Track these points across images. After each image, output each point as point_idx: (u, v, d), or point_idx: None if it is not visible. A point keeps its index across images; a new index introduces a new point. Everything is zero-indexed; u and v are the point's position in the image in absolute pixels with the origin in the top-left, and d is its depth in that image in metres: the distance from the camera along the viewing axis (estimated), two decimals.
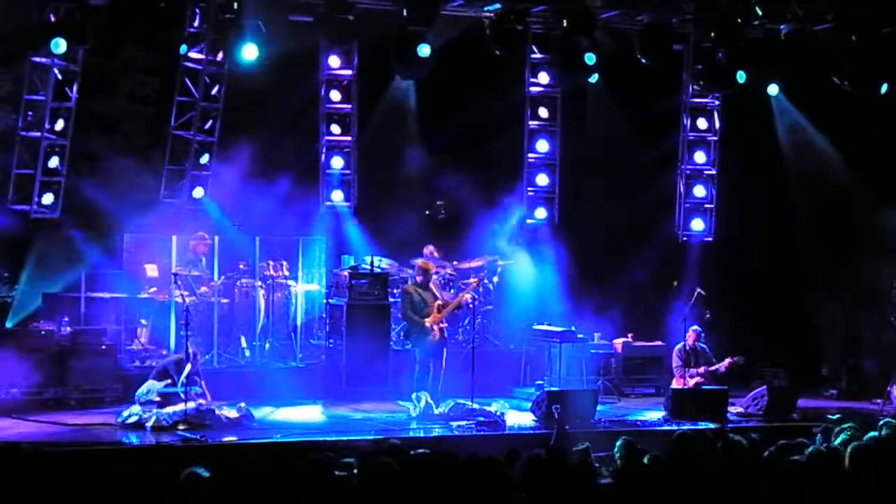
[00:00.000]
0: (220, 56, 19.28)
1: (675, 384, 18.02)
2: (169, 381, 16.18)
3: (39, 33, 17.65)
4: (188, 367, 16.14)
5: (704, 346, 18.59)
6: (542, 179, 21.48)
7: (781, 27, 20.28)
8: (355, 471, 9.90)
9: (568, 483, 9.55)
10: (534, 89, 21.33)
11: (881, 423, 12.48)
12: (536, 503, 9.35)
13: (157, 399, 15.96)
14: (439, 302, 17.22)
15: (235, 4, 18.58)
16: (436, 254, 20.22)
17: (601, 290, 20.62)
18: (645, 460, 10.48)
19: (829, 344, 21.45)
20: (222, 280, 19.02)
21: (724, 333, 20.65)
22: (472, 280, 19.06)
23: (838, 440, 11.57)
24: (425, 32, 18.95)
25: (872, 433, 11.87)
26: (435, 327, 17.07)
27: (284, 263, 19.47)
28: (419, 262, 18.19)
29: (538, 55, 20.77)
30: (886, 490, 10.15)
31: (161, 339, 18.53)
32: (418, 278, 17.52)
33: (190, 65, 19.43)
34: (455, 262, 20.35)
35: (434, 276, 18.12)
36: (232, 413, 15.74)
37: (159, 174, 19.83)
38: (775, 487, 10.00)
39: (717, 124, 21.89)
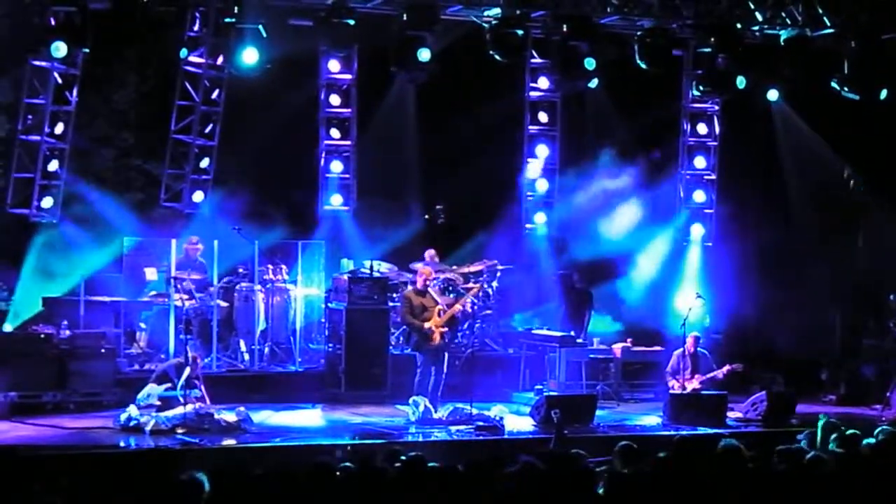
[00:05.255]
0: (220, 60, 19.29)
1: (675, 389, 17.98)
2: (169, 384, 16.19)
3: (40, 37, 17.67)
4: (187, 371, 16.14)
5: (705, 351, 18.58)
6: (542, 184, 21.50)
7: (781, 33, 20.28)
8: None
9: (564, 490, 9.56)
10: (534, 94, 21.37)
11: (877, 430, 12.47)
12: None
13: (158, 403, 15.96)
14: (440, 307, 17.22)
15: (236, 8, 18.57)
16: (436, 259, 20.23)
17: (600, 294, 20.63)
18: (663, 454, 10.47)
19: (828, 349, 21.47)
20: (222, 283, 19.03)
21: (722, 338, 20.64)
22: (472, 286, 19.07)
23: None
24: (425, 37, 18.94)
25: (869, 440, 11.87)
26: (436, 331, 17.06)
27: (284, 267, 19.47)
28: (418, 266, 18.19)
29: (538, 60, 20.78)
30: (884, 495, 10.16)
31: (160, 343, 18.50)
32: (417, 284, 17.52)
33: (190, 69, 19.46)
34: (454, 267, 20.35)
35: (433, 282, 18.11)
36: (231, 417, 15.74)
37: (160, 178, 19.87)
38: (772, 493, 10.01)
39: (717, 129, 21.91)
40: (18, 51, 18.47)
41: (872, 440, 11.84)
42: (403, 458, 10.36)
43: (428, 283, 17.42)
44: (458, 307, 17.58)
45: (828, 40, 20.35)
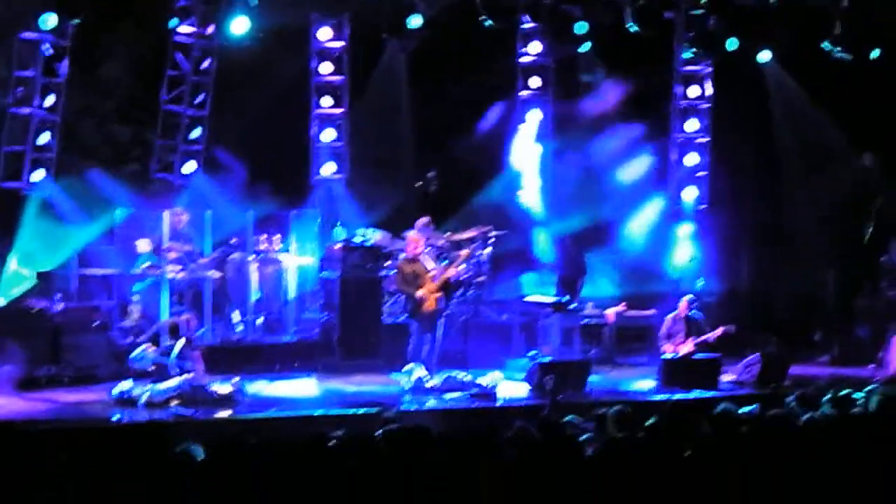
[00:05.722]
0: (210, 30, 19.22)
1: (667, 353, 18.01)
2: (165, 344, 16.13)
3: (29, 8, 17.59)
4: (181, 343, 16.12)
5: (698, 314, 18.58)
6: (534, 150, 21.49)
7: None
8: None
9: (557, 454, 9.59)
10: (525, 59, 21.32)
11: (867, 388, 12.49)
12: (524, 475, 9.37)
13: (152, 368, 15.94)
14: (432, 273, 17.22)
15: None
16: (430, 225, 20.19)
17: (594, 257, 20.64)
18: (649, 422, 10.48)
19: (821, 311, 21.49)
20: (214, 255, 19.02)
21: (716, 301, 20.66)
22: (462, 252, 19.08)
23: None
24: (416, 3, 18.87)
25: (858, 394, 11.90)
26: (430, 298, 17.06)
27: (277, 237, 19.45)
28: (409, 234, 18.19)
29: (530, 24, 20.71)
30: (877, 455, 10.19)
31: (153, 315, 18.47)
32: (408, 251, 17.52)
33: (180, 39, 19.41)
34: (448, 234, 20.34)
35: (426, 248, 18.11)
36: (225, 388, 15.67)
37: (151, 149, 19.83)
38: (767, 456, 10.03)
39: (710, 92, 21.89)
40: (8, 24, 18.39)
41: (861, 396, 11.85)
42: (395, 427, 10.40)
43: (418, 250, 17.39)
44: (451, 271, 17.59)
45: (819, 1, 20.28)
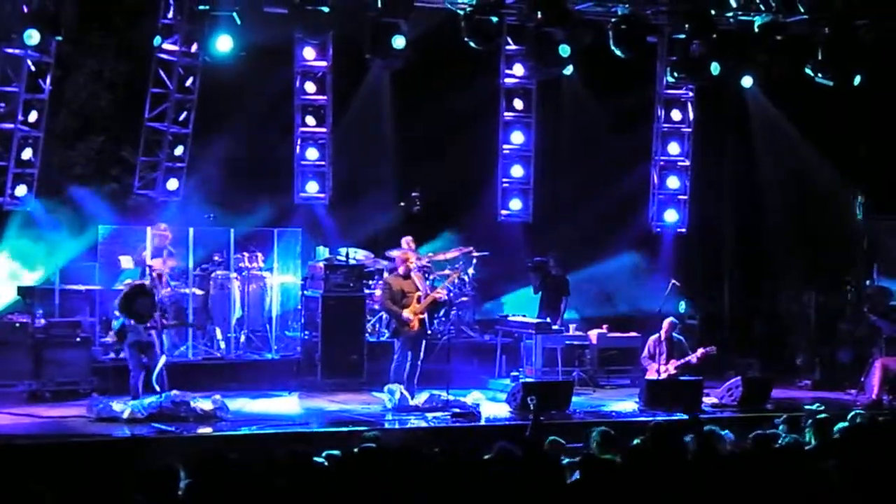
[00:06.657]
0: (194, 48, 19.20)
1: (650, 374, 18.05)
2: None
3: (12, 24, 17.55)
4: (162, 360, 16.11)
5: (680, 336, 18.61)
6: (517, 171, 21.53)
7: (755, 19, 20.30)
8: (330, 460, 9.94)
9: (539, 475, 9.60)
10: (509, 81, 21.37)
11: (851, 413, 12.56)
12: (507, 495, 9.37)
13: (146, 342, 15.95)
14: (419, 293, 17.21)
15: None
16: (413, 245, 20.20)
17: (575, 279, 20.66)
18: (638, 441, 10.49)
19: (803, 334, 21.54)
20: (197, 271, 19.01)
21: (697, 324, 20.70)
22: (448, 272, 19.09)
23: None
24: (399, 24, 18.90)
25: (843, 423, 11.95)
26: (414, 318, 17.05)
27: (259, 255, 19.46)
28: (399, 253, 18.19)
29: (513, 47, 20.77)
30: (859, 479, 10.21)
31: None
32: (399, 269, 17.51)
33: (164, 56, 19.36)
34: (430, 254, 20.36)
35: (414, 267, 18.13)
36: (207, 405, 15.67)
37: (134, 166, 19.80)
38: (749, 477, 10.06)
39: (691, 116, 21.96)
40: None
41: (846, 424, 11.92)
42: (377, 445, 10.41)
43: (410, 267, 17.41)
44: (438, 293, 17.61)
45: (802, 26, 20.36)
